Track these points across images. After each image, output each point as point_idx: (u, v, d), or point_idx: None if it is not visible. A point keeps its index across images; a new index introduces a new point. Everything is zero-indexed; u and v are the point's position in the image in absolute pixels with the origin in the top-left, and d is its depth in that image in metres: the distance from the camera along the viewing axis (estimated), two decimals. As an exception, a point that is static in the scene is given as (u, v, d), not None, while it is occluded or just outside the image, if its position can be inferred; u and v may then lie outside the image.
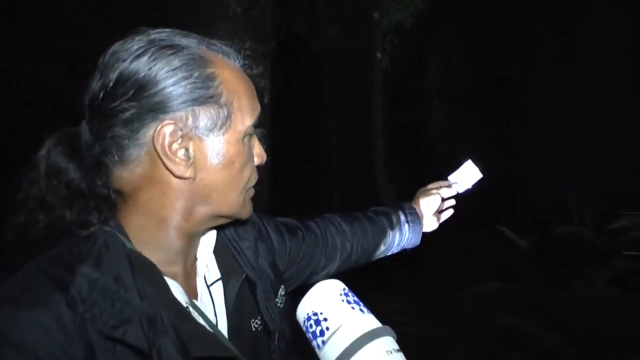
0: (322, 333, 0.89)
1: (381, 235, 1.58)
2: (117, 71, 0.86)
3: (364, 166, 6.05)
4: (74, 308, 0.79)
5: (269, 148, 3.54)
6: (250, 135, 0.96)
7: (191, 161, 0.89)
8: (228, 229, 1.09)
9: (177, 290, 0.92)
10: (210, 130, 0.89)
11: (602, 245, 4.86)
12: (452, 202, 1.75)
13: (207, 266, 1.05)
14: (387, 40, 5.54)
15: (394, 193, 5.38)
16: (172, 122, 0.86)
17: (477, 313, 4.29)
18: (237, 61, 0.97)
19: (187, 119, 0.87)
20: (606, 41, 7.08)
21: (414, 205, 1.66)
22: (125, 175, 0.90)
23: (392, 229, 1.59)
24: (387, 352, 0.83)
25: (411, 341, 4.05)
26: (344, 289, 0.94)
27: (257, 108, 0.97)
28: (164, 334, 0.83)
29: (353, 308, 0.90)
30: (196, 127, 0.88)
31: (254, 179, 0.99)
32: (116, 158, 0.89)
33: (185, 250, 0.98)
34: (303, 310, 0.94)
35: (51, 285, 0.81)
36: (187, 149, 0.88)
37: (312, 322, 0.91)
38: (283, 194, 4.95)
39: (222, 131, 0.90)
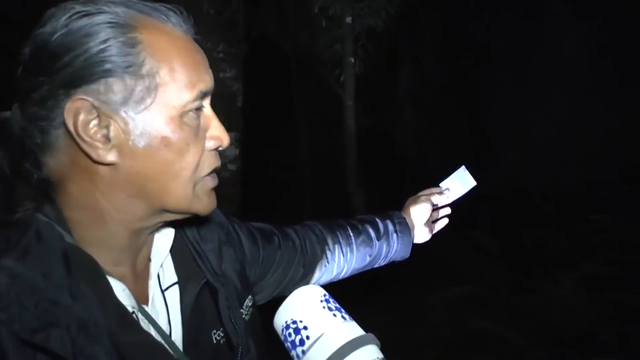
0: (302, 342, 0.83)
1: (367, 246, 1.45)
2: (33, 42, 0.76)
3: (335, 171, 6.05)
4: None
5: (241, 152, 3.53)
6: (197, 112, 0.81)
7: (112, 143, 0.75)
8: (190, 228, 0.97)
9: (122, 293, 0.81)
10: (128, 104, 0.75)
11: (569, 248, 4.95)
12: (448, 210, 1.63)
13: (162, 268, 0.92)
14: (359, 45, 5.54)
15: (365, 198, 5.38)
16: (82, 97, 0.73)
17: (445, 317, 4.30)
18: (179, 27, 0.82)
19: (99, 92, 0.74)
20: (569, 46, 7.25)
21: (404, 215, 1.53)
22: (51, 162, 0.78)
23: (379, 239, 1.46)
24: None
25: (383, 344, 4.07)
26: (324, 295, 0.89)
27: (203, 80, 0.81)
28: (97, 342, 0.71)
29: (335, 315, 0.85)
30: (110, 102, 0.74)
31: (207, 166, 0.84)
32: (39, 142, 0.77)
33: (132, 249, 0.86)
34: (281, 318, 0.88)
35: None
36: (107, 129, 0.75)
37: (290, 330, 0.85)
38: (254, 199, 4.91)
39: (143, 106, 0.75)
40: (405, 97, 8.81)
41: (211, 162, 0.84)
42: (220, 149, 0.86)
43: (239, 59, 3.61)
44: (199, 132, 0.82)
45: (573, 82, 7.07)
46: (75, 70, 0.73)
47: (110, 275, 0.80)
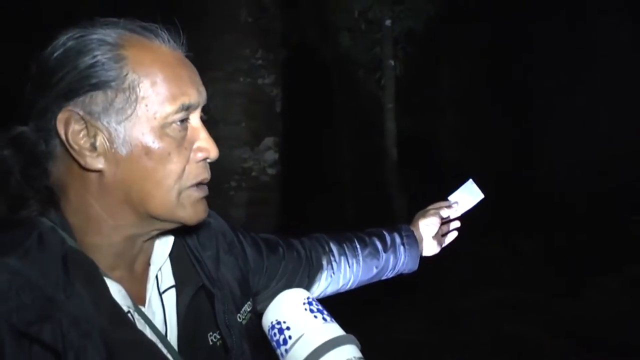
0: (284, 342, 0.88)
1: (373, 258, 1.48)
2: (37, 61, 0.83)
3: (376, 174, 6.04)
4: None
5: (280, 157, 3.58)
6: (182, 124, 0.85)
7: (98, 151, 0.82)
8: (190, 236, 1.01)
9: (118, 293, 0.85)
10: (109, 115, 0.81)
11: (612, 251, 4.81)
12: (457, 224, 1.65)
13: (160, 272, 0.97)
14: (399, 48, 5.52)
15: (406, 201, 5.35)
16: (71, 108, 0.80)
17: (481, 321, 4.25)
18: (167, 43, 0.87)
19: (85, 104, 0.80)
20: (619, 47, 7.05)
21: (412, 228, 1.56)
22: (54, 169, 0.85)
23: (386, 251, 1.50)
24: None
25: (413, 350, 4.05)
26: (307, 298, 0.94)
27: (187, 94, 0.85)
28: (87, 337, 0.77)
29: (316, 317, 0.89)
30: (93, 113, 0.81)
31: (193, 176, 0.87)
32: (44, 150, 0.84)
33: (128, 255, 0.91)
34: (267, 319, 0.93)
35: None
36: (95, 138, 0.81)
37: (275, 330, 0.90)
38: (294, 204, 4.95)
39: (123, 117, 0.81)
40: (447, 98, 8.74)
41: (197, 173, 0.88)
42: (208, 160, 0.89)
43: (278, 65, 3.65)
44: (182, 143, 0.85)
45: (620, 85, 6.87)
46: (67, 84, 0.80)
47: (108, 277, 0.85)
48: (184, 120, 0.86)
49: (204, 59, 3.33)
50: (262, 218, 3.45)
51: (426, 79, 8.26)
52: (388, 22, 5.20)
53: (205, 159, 0.89)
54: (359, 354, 0.85)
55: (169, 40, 0.87)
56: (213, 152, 0.89)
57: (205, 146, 0.88)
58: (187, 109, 0.85)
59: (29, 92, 0.84)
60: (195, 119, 0.88)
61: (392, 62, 5.21)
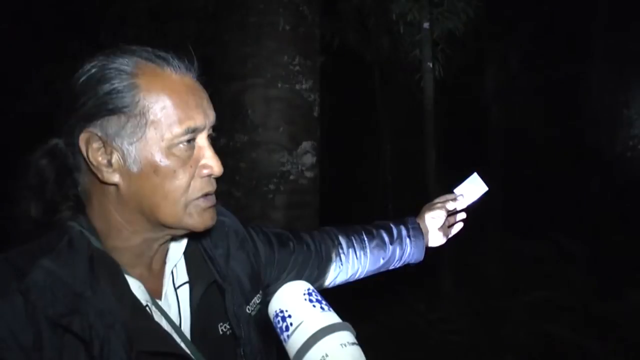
0: (287, 328, 0.99)
1: (380, 249, 1.56)
2: (66, 85, 0.95)
3: (416, 177, 6.05)
4: (26, 295, 0.84)
5: (318, 160, 3.66)
6: (188, 144, 0.96)
7: (113, 167, 0.94)
8: (204, 237, 1.12)
9: (138, 289, 0.98)
10: (121, 137, 0.92)
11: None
12: (463, 215, 1.73)
13: (176, 268, 1.09)
14: (438, 50, 5.53)
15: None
16: (91, 130, 0.92)
17: (525, 322, 4.21)
18: (178, 70, 0.97)
19: (102, 127, 0.92)
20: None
21: (418, 220, 1.65)
22: (81, 180, 0.99)
23: (392, 243, 1.58)
24: (341, 345, 0.91)
25: (456, 350, 4.08)
26: (308, 289, 1.05)
27: (194, 119, 0.96)
28: (111, 327, 0.88)
29: (314, 306, 1.00)
30: (109, 135, 0.92)
31: (198, 190, 0.99)
32: (72, 162, 0.98)
33: (146, 255, 1.03)
34: (272, 308, 1.05)
35: (12, 276, 0.87)
36: (110, 156, 0.93)
37: (279, 318, 1.01)
38: (336, 206, 5.03)
39: (135, 139, 0.92)
40: (492, 99, 8.64)
41: (202, 187, 1.00)
42: (213, 176, 1.01)
43: (315, 70, 3.72)
44: (188, 162, 0.97)
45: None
46: (89, 109, 0.92)
47: (129, 274, 0.99)
48: (191, 141, 0.97)
49: (244, 67, 3.46)
50: (301, 220, 3.52)
51: (470, 80, 8.18)
52: (426, 25, 5.23)
53: (210, 175, 1.01)
54: (352, 340, 0.94)
55: (179, 67, 0.98)
56: (217, 169, 1.01)
57: (210, 164, 1.00)
58: (193, 131, 0.97)
59: (59, 112, 0.96)
60: (202, 139, 1.00)
61: (431, 65, 5.23)
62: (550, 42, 7.66)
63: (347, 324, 0.97)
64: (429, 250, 1.67)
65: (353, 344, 0.93)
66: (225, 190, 3.36)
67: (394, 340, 4.21)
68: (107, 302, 0.90)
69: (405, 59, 5.98)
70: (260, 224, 1.38)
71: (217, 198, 1.05)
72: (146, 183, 0.95)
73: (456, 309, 4.58)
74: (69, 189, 0.99)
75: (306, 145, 3.56)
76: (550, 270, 4.67)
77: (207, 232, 1.10)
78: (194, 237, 1.11)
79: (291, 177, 3.44)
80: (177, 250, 1.10)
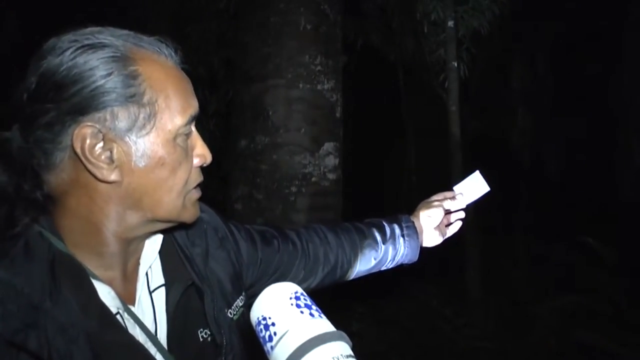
0: (270, 338, 0.83)
1: (372, 249, 1.46)
2: (38, 72, 0.83)
3: (442, 178, 5.97)
4: None
5: (341, 162, 3.61)
6: (187, 134, 0.91)
7: (115, 164, 0.84)
8: (179, 233, 1.04)
9: (107, 296, 0.87)
10: (132, 130, 0.84)
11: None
12: (462, 214, 1.61)
13: (150, 270, 0.99)
14: (463, 49, 5.44)
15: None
16: (90, 124, 0.82)
17: (555, 328, 4.10)
18: (170, 58, 0.91)
19: (105, 120, 0.82)
20: None
21: (413, 219, 1.53)
22: (52, 179, 0.86)
23: (385, 242, 1.47)
24: (333, 358, 0.77)
25: (484, 356, 3.99)
26: (295, 292, 0.88)
27: (192, 106, 0.90)
28: (73, 342, 0.78)
29: (302, 312, 0.84)
30: (116, 129, 0.83)
31: (193, 181, 0.94)
32: (42, 162, 0.85)
33: (123, 255, 0.93)
34: (254, 314, 0.88)
35: None
36: (111, 152, 0.84)
37: (261, 327, 0.85)
38: (360, 207, 4.97)
39: (145, 132, 0.85)
40: (518, 98, 8.50)
41: (196, 177, 0.95)
42: (204, 165, 0.96)
43: (337, 70, 3.67)
44: (188, 152, 0.91)
45: None
46: (83, 100, 0.81)
47: (98, 279, 0.88)
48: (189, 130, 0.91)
49: (265, 67, 3.42)
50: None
51: (497, 79, 8.06)
52: (451, 24, 5.14)
53: (202, 164, 0.95)
54: (347, 351, 0.79)
55: (171, 55, 0.91)
56: (209, 157, 0.96)
57: (202, 153, 0.94)
58: (193, 119, 0.91)
59: (26, 103, 0.84)
60: (193, 127, 0.93)
61: (455, 64, 5.14)
62: (578, 41, 7.50)
63: (341, 333, 0.81)
64: (436, 249, 1.57)
65: (348, 356, 0.78)
66: (247, 192, 3.32)
67: (418, 346, 4.14)
68: (70, 313, 0.80)
69: (430, 58, 5.90)
70: (240, 221, 1.28)
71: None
72: (151, 178, 0.87)
73: (483, 314, 4.48)
74: (29, 193, 0.86)
75: (328, 146, 3.51)
76: (580, 275, 4.54)
77: (182, 228, 1.03)
78: (168, 234, 1.02)
79: (313, 179, 3.39)
80: (152, 249, 1.00)
